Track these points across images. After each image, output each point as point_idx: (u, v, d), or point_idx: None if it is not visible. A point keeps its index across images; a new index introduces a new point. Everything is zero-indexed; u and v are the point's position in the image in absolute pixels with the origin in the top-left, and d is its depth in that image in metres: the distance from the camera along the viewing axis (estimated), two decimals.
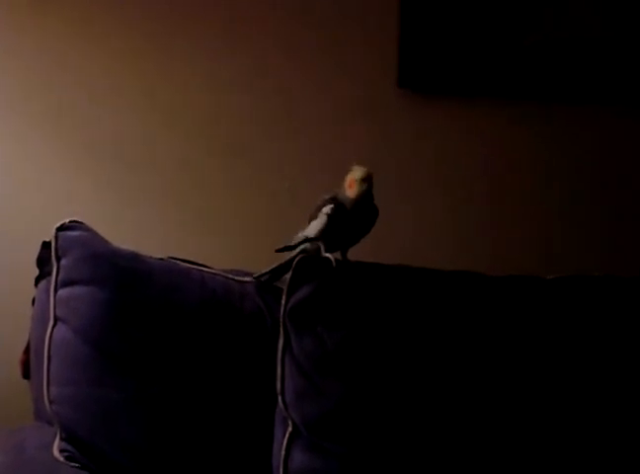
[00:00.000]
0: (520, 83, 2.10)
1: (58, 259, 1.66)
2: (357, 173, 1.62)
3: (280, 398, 1.61)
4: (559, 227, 2.14)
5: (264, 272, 1.75)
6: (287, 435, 1.61)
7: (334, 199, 1.64)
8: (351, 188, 1.62)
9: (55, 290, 1.66)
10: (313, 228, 1.66)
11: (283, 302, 1.61)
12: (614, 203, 2.15)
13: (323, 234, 1.65)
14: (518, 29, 2.08)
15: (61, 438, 1.63)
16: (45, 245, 1.72)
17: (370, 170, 1.61)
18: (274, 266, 1.73)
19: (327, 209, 1.64)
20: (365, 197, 1.62)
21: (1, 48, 1.99)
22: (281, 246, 1.71)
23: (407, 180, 2.09)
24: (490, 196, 2.12)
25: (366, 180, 1.61)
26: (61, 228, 1.68)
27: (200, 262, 1.78)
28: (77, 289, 1.65)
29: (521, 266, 1.91)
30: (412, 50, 2.05)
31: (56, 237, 1.67)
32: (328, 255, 1.64)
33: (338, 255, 1.66)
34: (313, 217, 1.66)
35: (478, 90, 2.09)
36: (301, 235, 1.69)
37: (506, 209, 2.13)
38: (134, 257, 1.70)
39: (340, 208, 1.63)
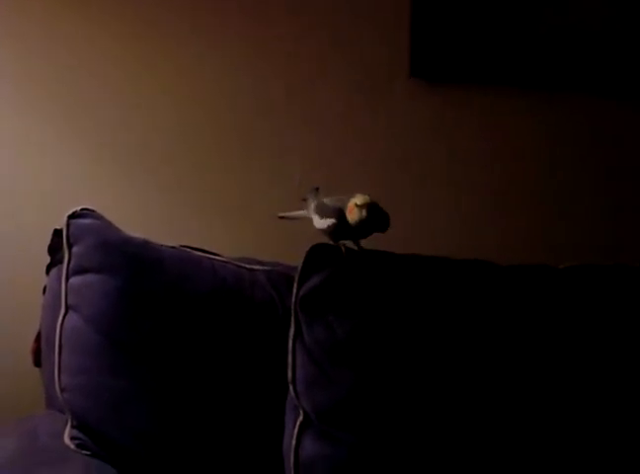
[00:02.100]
0: (532, 72, 2.10)
1: (70, 247, 1.66)
2: (357, 199, 1.60)
3: (291, 387, 1.61)
4: (568, 217, 2.14)
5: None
6: (298, 424, 1.61)
7: (339, 212, 1.62)
8: (350, 213, 1.60)
9: (67, 278, 1.66)
10: (318, 224, 1.66)
11: (295, 291, 1.61)
12: (620, 194, 2.16)
13: (325, 232, 1.65)
14: (531, 17, 2.08)
15: (72, 426, 1.63)
16: (57, 233, 1.72)
17: (372, 199, 1.59)
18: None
19: (330, 222, 1.63)
20: (365, 223, 1.59)
21: (9, 36, 1.99)
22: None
23: (419, 169, 2.08)
24: (502, 184, 2.12)
25: (365, 207, 1.58)
26: (73, 216, 1.68)
27: (210, 250, 1.78)
28: (89, 277, 1.65)
29: (527, 254, 1.91)
30: (424, 39, 2.05)
31: (68, 225, 1.67)
32: (339, 244, 1.64)
33: (350, 243, 1.66)
34: (321, 213, 1.65)
35: (490, 79, 2.09)
36: (310, 213, 1.69)
37: (516, 198, 2.13)
38: (146, 245, 1.70)
39: (341, 224, 1.62)
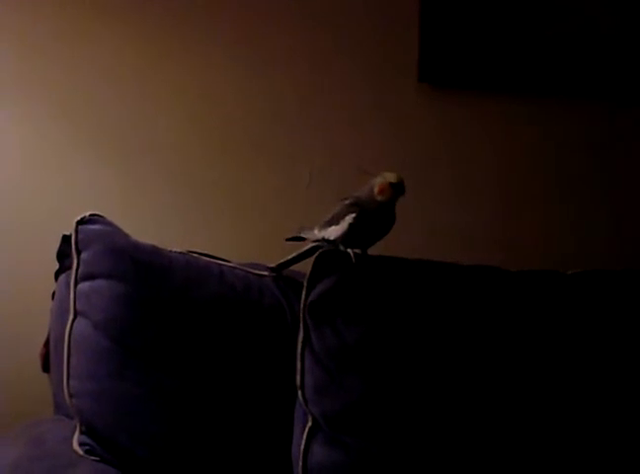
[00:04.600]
0: (540, 78, 2.09)
1: (78, 252, 1.66)
2: (391, 177, 1.61)
3: (299, 392, 1.61)
4: (575, 222, 2.14)
5: (280, 262, 1.76)
6: (307, 430, 1.61)
7: (356, 205, 1.63)
8: (382, 192, 1.61)
9: (75, 284, 1.66)
10: (333, 232, 1.65)
11: (303, 296, 1.61)
12: (626, 199, 2.15)
13: (343, 240, 1.65)
14: (538, 23, 2.08)
15: (81, 432, 1.63)
16: (65, 239, 1.71)
17: (401, 175, 1.61)
18: (291, 256, 1.74)
19: (350, 219, 1.63)
20: (393, 201, 1.61)
21: (14, 37, 1.99)
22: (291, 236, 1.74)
23: (427, 174, 2.08)
24: (508, 189, 2.11)
25: (400, 185, 1.60)
26: (81, 222, 1.68)
27: (219, 255, 1.78)
28: (97, 283, 1.64)
29: (533, 259, 1.91)
30: (432, 45, 2.05)
31: (76, 230, 1.67)
32: (348, 250, 1.64)
33: (357, 250, 1.66)
34: (333, 222, 1.65)
35: (498, 85, 2.08)
36: (317, 234, 1.68)
37: (522, 203, 2.13)
38: (155, 251, 1.70)
39: (362, 215, 1.62)
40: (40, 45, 1.99)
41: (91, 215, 1.70)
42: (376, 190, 1.62)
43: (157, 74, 2.03)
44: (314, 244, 1.70)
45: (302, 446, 1.60)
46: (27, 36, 1.99)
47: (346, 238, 1.64)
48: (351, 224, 1.62)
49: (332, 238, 1.65)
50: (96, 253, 1.66)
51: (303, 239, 1.72)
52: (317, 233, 1.68)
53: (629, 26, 2.11)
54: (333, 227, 1.65)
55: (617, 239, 2.14)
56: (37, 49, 2.00)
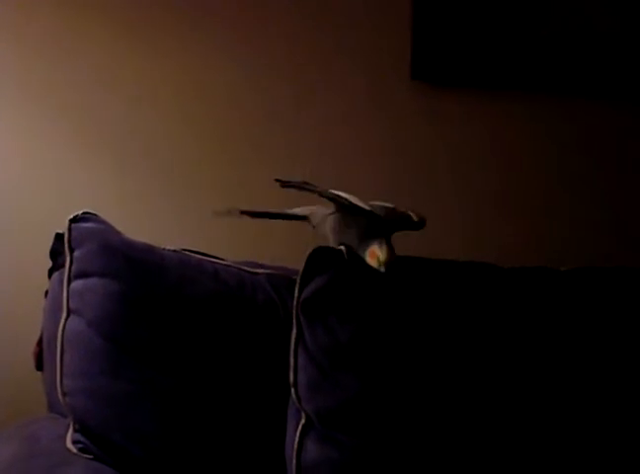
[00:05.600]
0: (534, 75, 2.09)
1: (71, 250, 1.66)
2: (382, 253, 1.57)
3: (292, 390, 1.61)
4: (570, 220, 2.14)
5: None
6: (300, 427, 1.60)
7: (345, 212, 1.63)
8: (371, 259, 1.59)
9: (69, 282, 1.66)
10: (307, 210, 1.68)
11: (296, 293, 1.61)
12: (622, 198, 2.15)
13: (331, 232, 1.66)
14: (533, 20, 2.08)
15: (75, 430, 1.63)
16: (59, 237, 1.72)
17: (393, 257, 1.58)
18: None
19: (330, 214, 1.65)
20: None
21: (12, 38, 1.99)
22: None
23: (421, 171, 2.08)
24: (504, 187, 2.11)
25: (384, 264, 1.57)
26: (74, 220, 1.68)
27: (213, 253, 1.78)
28: (90, 281, 1.64)
29: (528, 257, 1.91)
30: (425, 42, 2.05)
31: (69, 229, 1.67)
32: (341, 247, 1.64)
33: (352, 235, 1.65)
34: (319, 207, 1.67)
35: (492, 82, 2.08)
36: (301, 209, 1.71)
37: (518, 201, 2.12)
38: (148, 249, 1.70)
39: (345, 218, 1.63)
40: (39, 46, 2.00)
41: (84, 213, 1.70)
42: (368, 255, 1.59)
43: (154, 74, 2.04)
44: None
45: (296, 444, 1.60)
46: (25, 36, 2.00)
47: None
48: (325, 215, 1.63)
49: (302, 213, 1.69)
50: (89, 251, 1.66)
51: (294, 187, 1.69)
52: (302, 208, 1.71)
53: (629, 25, 2.11)
54: (315, 206, 1.66)
55: (617, 239, 2.13)
56: (34, 50, 2.00)
